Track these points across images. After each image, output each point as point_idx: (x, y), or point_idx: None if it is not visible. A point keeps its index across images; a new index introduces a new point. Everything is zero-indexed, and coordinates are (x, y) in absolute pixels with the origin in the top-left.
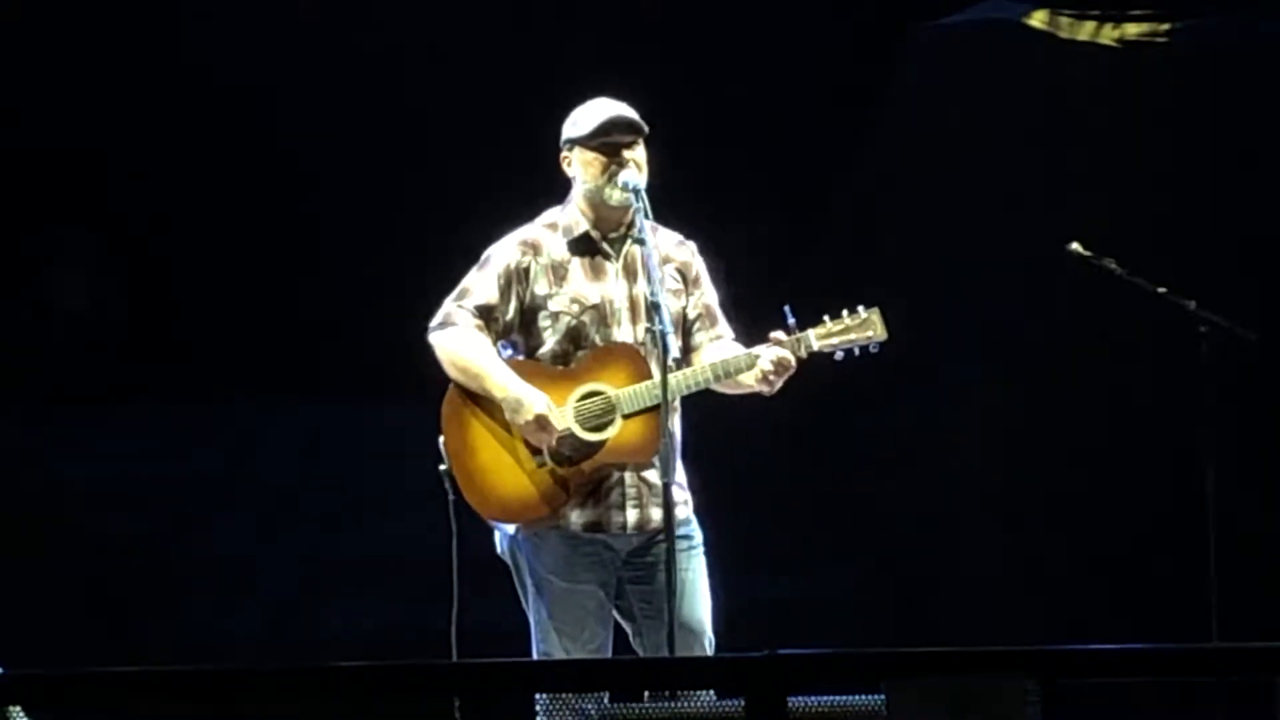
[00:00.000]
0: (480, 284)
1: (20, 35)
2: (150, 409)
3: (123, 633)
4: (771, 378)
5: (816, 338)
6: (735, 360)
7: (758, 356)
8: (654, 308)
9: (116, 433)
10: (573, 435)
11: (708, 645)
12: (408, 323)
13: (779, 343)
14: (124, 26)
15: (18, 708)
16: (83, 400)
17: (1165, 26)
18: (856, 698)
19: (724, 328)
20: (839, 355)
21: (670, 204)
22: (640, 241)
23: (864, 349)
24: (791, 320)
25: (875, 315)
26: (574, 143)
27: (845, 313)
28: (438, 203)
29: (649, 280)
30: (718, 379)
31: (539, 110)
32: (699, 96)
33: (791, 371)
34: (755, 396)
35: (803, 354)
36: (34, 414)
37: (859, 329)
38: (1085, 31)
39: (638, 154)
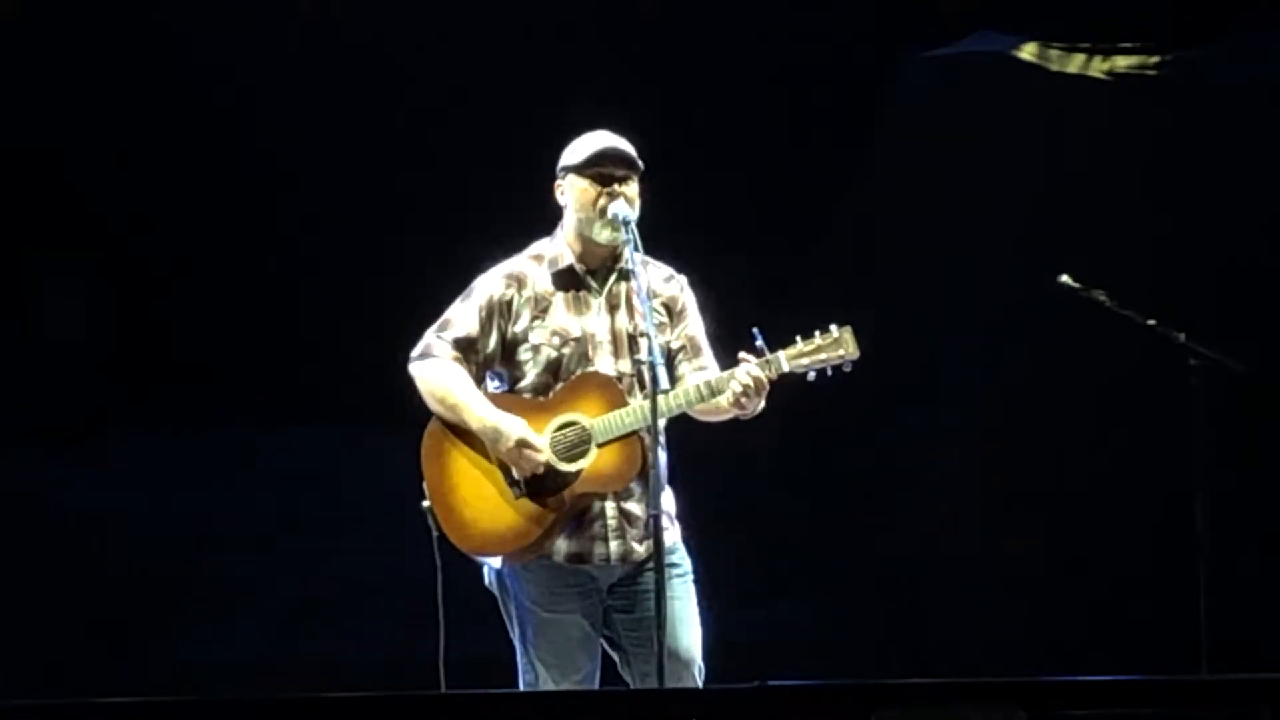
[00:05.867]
0: (462, 316)
1: (13, 59)
2: (142, 437)
3: (114, 660)
4: (744, 400)
5: (787, 359)
6: (707, 384)
7: (730, 379)
8: (643, 338)
9: (107, 461)
10: (549, 466)
11: (697, 674)
12: (402, 351)
13: (749, 363)
14: (118, 48)
15: None
16: (76, 428)
17: (1155, 59)
18: None
19: (708, 359)
20: (811, 376)
21: (662, 233)
22: (626, 276)
23: (836, 368)
24: (759, 343)
25: (847, 334)
26: (567, 170)
27: (817, 332)
28: (432, 230)
29: (631, 315)
30: (690, 404)
31: (532, 140)
32: (692, 125)
33: (765, 392)
34: (743, 422)
35: (774, 375)
36: (27, 443)
37: (830, 348)
38: (1075, 64)
39: (629, 189)
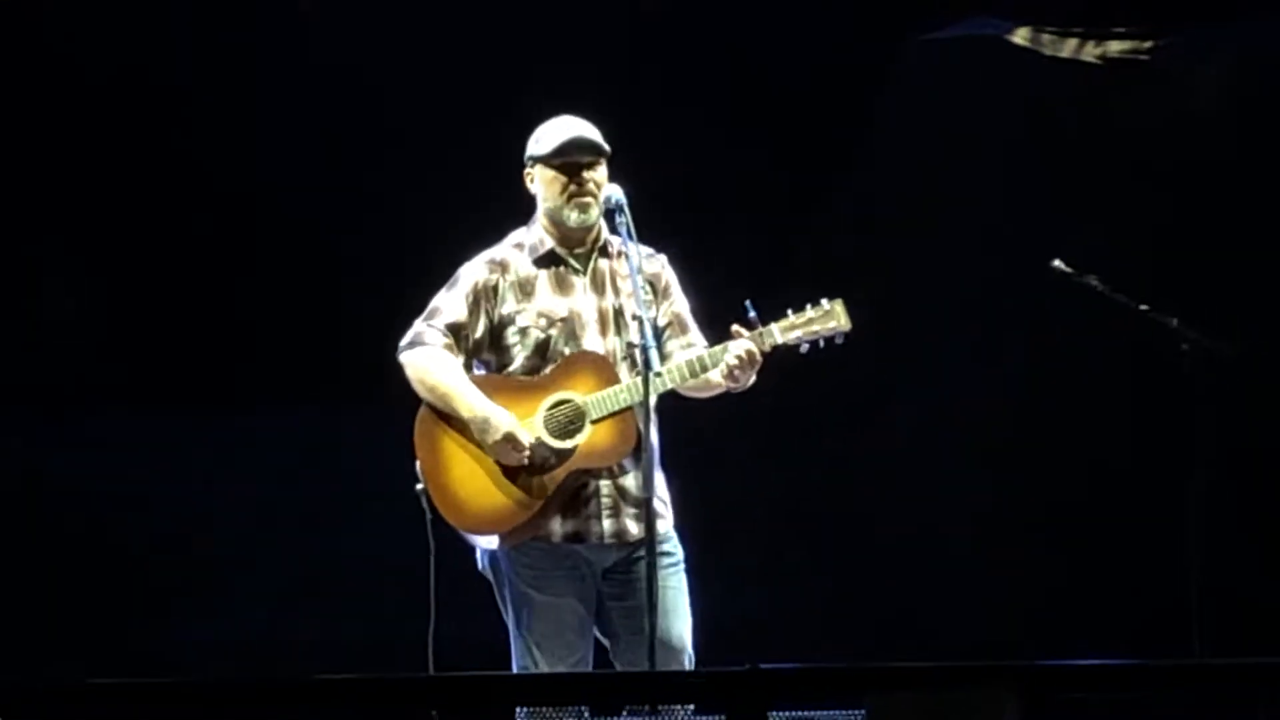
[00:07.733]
0: (449, 303)
1: (7, 43)
2: (137, 415)
3: (106, 641)
4: (737, 372)
5: (780, 330)
6: (702, 358)
7: (724, 351)
8: (635, 321)
9: (100, 440)
10: (543, 444)
11: (687, 663)
12: (396, 333)
13: (742, 336)
14: (109, 35)
15: None
16: (74, 405)
17: (1147, 44)
18: (838, 713)
19: (696, 335)
20: (804, 348)
21: (658, 215)
22: (608, 254)
23: (829, 340)
24: (752, 314)
25: (838, 306)
26: (535, 160)
27: (808, 305)
28: (419, 211)
29: (617, 293)
30: (683, 379)
31: (517, 126)
32: (692, 107)
33: (758, 365)
34: (733, 405)
35: (766, 347)
36: (25, 419)
37: (821, 320)
38: (1068, 49)
39: (598, 174)
